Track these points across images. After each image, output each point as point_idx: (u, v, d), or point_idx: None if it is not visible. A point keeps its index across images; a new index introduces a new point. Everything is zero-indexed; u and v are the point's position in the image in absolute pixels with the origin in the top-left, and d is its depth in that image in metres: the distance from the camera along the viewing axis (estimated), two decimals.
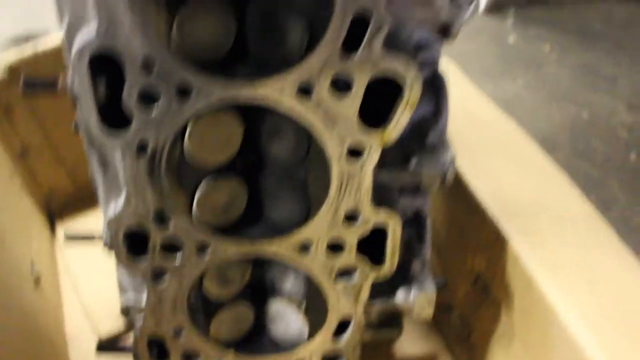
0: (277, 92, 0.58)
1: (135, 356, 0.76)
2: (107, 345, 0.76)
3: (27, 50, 1.13)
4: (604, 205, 1.72)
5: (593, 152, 1.88)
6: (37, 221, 1.24)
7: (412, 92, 0.59)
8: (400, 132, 0.62)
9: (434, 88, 0.69)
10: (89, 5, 0.55)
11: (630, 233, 1.66)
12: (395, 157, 0.67)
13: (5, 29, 2.26)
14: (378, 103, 0.61)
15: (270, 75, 0.58)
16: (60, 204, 1.34)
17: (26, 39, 2.26)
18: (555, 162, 1.07)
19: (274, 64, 0.58)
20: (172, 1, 0.56)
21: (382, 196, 0.70)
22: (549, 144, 1.87)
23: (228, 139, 0.63)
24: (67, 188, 1.33)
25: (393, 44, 0.59)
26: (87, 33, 0.56)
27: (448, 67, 1.15)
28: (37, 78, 0.64)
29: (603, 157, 1.87)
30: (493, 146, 1.08)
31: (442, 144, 0.69)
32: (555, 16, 2.51)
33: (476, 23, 2.37)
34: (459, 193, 0.92)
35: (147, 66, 0.57)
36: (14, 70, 1.13)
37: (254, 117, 0.63)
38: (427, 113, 0.69)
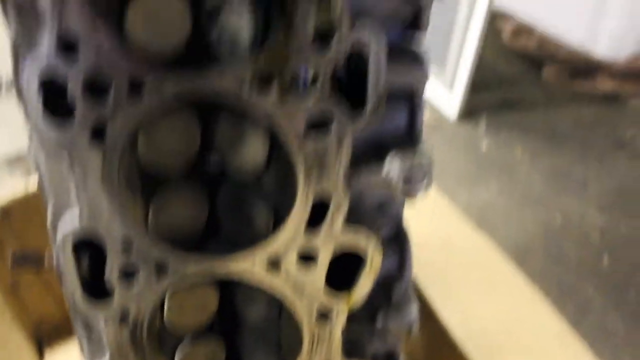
0: (248, 266, 0.62)
1: None
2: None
3: (18, 191, 1.17)
4: (580, 311, 1.74)
5: (566, 257, 1.92)
6: (26, 355, 1.26)
7: (374, 262, 0.63)
8: (366, 294, 0.66)
9: (398, 243, 0.73)
10: (72, 194, 0.59)
11: (608, 338, 1.68)
12: (362, 314, 0.70)
13: (1, 148, 2.31)
14: (344, 267, 0.65)
15: (241, 251, 0.61)
16: (49, 332, 1.36)
17: (18, 159, 2.32)
18: (529, 268, 1.09)
19: (244, 240, 0.62)
20: (147, 189, 0.60)
21: (352, 346, 0.72)
22: (522, 251, 1.92)
23: (204, 306, 0.66)
24: (56, 316, 1.35)
25: (354, 212, 0.63)
26: (71, 219, 0.60)
27: None
28: (26, 254, 0.67)
29: (577, 262, 1.90)
30: (464, 267, 1.11)
31: (407, 298, 0.72)
32: (525, 119, 2.59)
33: (450, 130, 2.44)
34: (429, 322, 0.94)
35: (126, 247, 0.60)
36: (5, 211, 1.16)
37: (229, 284, 0.66)
38: (391, 268, 0.72)
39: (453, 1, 2.57)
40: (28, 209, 1.17)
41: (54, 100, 0.54)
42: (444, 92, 2.65)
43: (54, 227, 0.62)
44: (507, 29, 3.13)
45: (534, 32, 3.08)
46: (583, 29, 2.94)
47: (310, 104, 0.54)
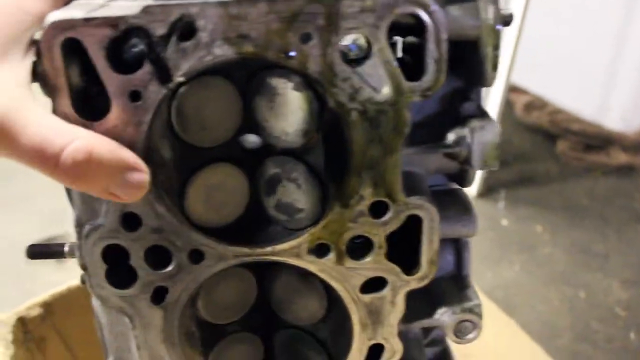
0: None
1: None
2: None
3: (60, 287, 1.17)
4: None
5: (594, 334, 1.88)
6: None
7: None
8: None
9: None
10: (132, 348, 0.59)
11: None
12: None
13: (28, 233, 2.32)
14: None
15: None
16: None
17: (49, 242, 2.31)
18: (557, 348, 1.06)
19: None
20: (206, 339, 0.60)
21: None
22: (550, 329, 1.88)
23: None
24: None
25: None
26: None
27: None
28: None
29: (604, 339, 1.86)
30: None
31: None
32: (543, 195, 2.57)
33: None
34: None
35: None
36: (48, 305, 1.16)
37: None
38: None
39: None
40: (70, 304, 1.17)
41: (115, 262, 0.55)
42: None
43: None
44: (519, 103, 3.14)
45: (546, 106, 3.08)
46: (594, 103, 2.95)
47: (366, 268, 0.54)
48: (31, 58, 0.47)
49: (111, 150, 0.45)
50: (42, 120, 0.44)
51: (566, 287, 2.06)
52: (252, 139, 0.54)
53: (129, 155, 0.46)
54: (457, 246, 0.64)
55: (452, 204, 0.60)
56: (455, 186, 0.63)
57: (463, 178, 0.60)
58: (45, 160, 0.42)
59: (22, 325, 1.15)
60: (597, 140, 2.89)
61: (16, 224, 2.39)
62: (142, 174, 0.46)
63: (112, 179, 0.45)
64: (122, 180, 0.45)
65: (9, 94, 0.43)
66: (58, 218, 2.34)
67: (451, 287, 0.62)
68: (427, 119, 0.56)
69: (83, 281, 0.64)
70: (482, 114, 0.54)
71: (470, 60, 0.51)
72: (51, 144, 0.42)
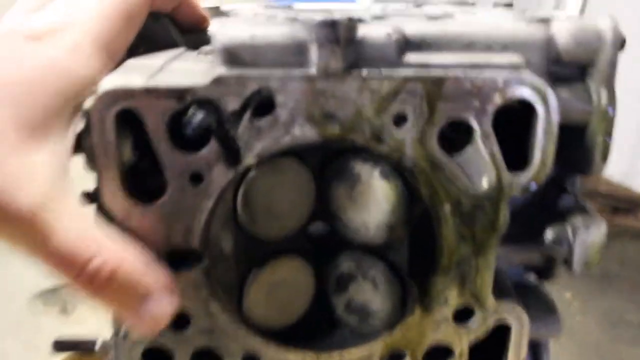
0: None
1: None
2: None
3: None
4: None
5: None
6: None
7: None
8: None
9: None
10: None
11: None
12: None
13: (28, 281, 2.25)
14: None
15: None
16: None
17: (52, 291, 2.24)
18: None
19: None
20: None
21: None
22: None
23: None
24: None
25: None
26: None
27: None
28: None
29: None
30: None
31: None
32: None
33: None
34: None
35: None
36: None
37: None
38: None
39: None
40: None
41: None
42: None
43: None
44: None
45: None
46: (623, 164, 2.89)
47: None
48: (75, 129, 0.40)
49: (136, 271, 0.38)
50: (73, 222, 0.37)
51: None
52: (318, 225, 0.48)
53: (155, 281, 0.39)
54: (535, 348, 0.57)
55: (535, 302, 0.53)
56: (533, 279, 0.56)
57: (547, 272, 0.53)
58: (69, 269, 0.37)
59: None
60: (625, 203, 2.82)
61: (16, 271, 2.32)
62: (165, 306, 0.39)
63: (128, 305, 0.39)
64: (138, 310, 0.39)
65: (44, 187, 0.36)
66: None
67: None
68: (516, 209, 0.49)
69: None
70: (583, 209, 0.47)
71: (573, 147, 0.45)
72: (78, 255, 0.36)
